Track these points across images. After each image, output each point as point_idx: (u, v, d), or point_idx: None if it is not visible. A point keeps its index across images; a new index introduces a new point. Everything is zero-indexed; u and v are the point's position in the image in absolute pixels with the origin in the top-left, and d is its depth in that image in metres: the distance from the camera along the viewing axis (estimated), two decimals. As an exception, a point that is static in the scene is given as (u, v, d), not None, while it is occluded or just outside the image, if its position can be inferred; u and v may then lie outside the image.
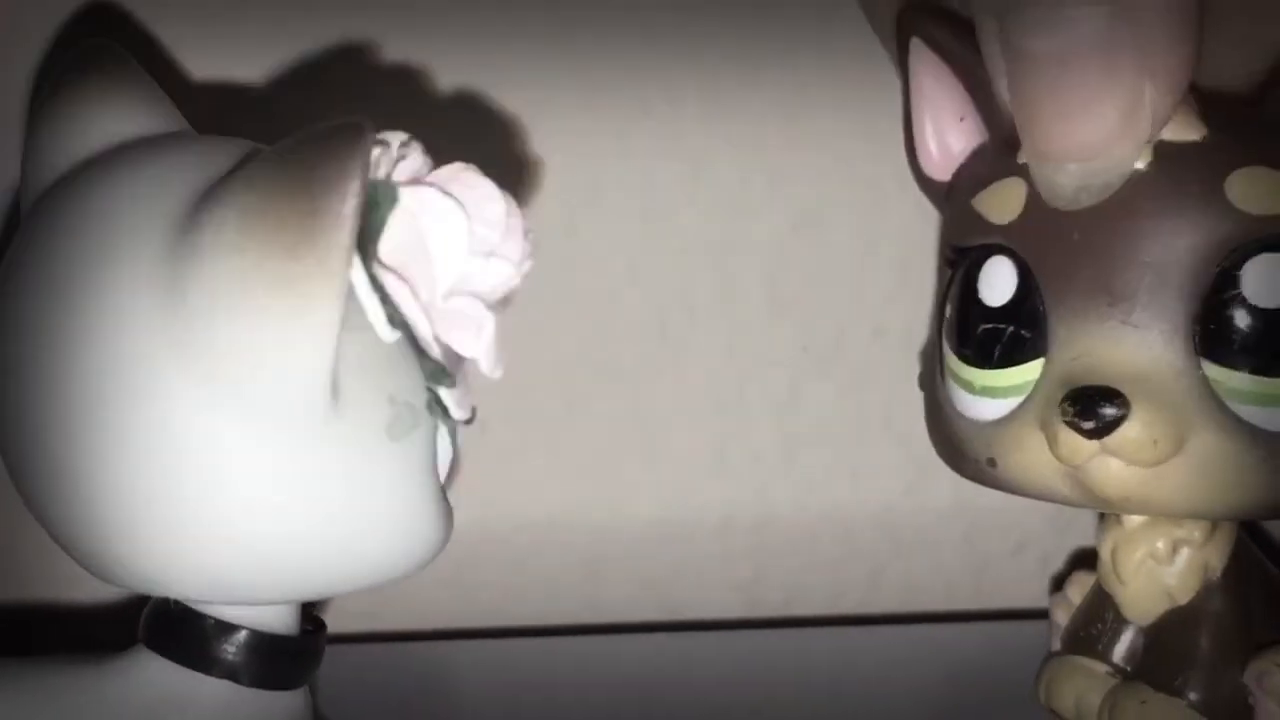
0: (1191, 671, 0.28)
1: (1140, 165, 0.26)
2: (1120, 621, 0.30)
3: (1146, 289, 0.26)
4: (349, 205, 0.20)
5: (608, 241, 0.36)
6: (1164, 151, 0.26)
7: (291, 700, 0.25)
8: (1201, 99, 0.26)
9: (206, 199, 0.21)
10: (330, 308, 0.20)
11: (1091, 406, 0.26)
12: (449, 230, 0.21)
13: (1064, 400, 0.26)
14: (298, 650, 0.25)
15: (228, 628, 0.24)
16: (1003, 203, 0.27)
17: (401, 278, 0.21)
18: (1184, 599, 0.29)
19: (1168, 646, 0.29)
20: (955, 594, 0.38)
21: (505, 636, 0.36)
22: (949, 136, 0.29)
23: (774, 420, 0.37)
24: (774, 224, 0.36)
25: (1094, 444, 0.25)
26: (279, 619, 0.24)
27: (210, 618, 0.24)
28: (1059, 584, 0.33)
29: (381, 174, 0.21)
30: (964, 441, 0.28)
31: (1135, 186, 0.26)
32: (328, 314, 0.20)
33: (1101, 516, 0.30)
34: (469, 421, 0.23)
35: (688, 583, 0.37)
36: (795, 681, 0.33)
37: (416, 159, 0.22)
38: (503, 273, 0.22)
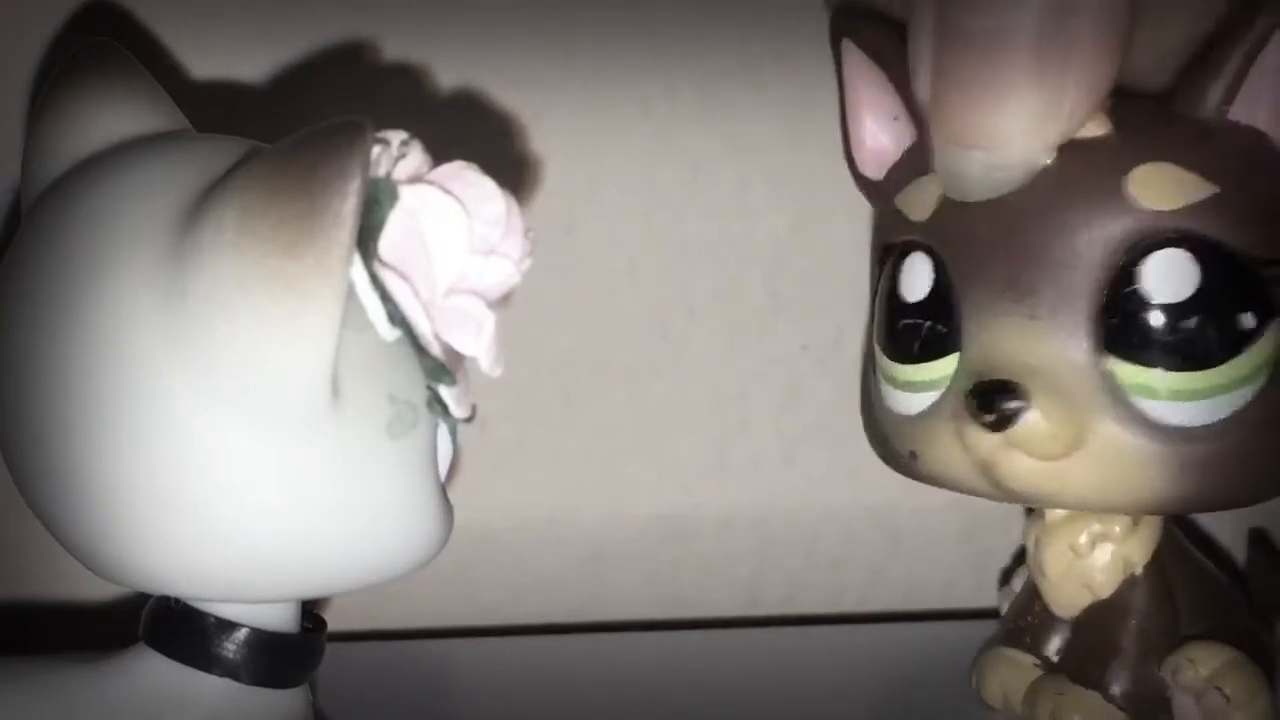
0: (1112, 665, 0.29)
1: (1045, 160, 0.26)
2: (1047, 614, 0.30)
3: (1050, 284, 0.26)
4: (349, 204, 0.20)
5: (608, 241, 0.36)
6: (1068, 147, 0.26)
7: (292, 698, 0.25)
8: (1113, 93, 0.26)
9: (207, 198, 0.21)
10: (330, 306, 0.20)
11: (991, 399, 0.26)
12: (449, 228, 0.21)
13: (968, 394, 0.26)
14: (298, 648, 0.25)
15: (228, 626, 0.24)
16: (920, 199, 0.28)
17: (402, 276, 0.21)
18: (1105, 593, 0.29)
19: (1091, 639, 0.29)
20: (955, 592, 0.38)
21: (505, 635, 0.36)
22: (882, 136, 0.30)
23: (774, 418, 0.37)
24: (773, 223, 0.36)
25: (999, 437, 0.26)
26: (279, 617, 0.24)
27: (211, 616, 0.24)
28: (1006, 578, 0.33)
29: (382, 172, 0.21)
30: (890, 435, 0.29)
31: (1039, 181, 0.26)
32: (327, 313, 0.20)
33: (1028, 510, 0.30)
34: (469, 419, 0.23)
35: (688, 580, 0.37)
36: (795, 679, 0.33)
37: (416, 157, 0.22)
38: (503, 271, 0.22)
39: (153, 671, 0.24)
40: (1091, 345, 0.26)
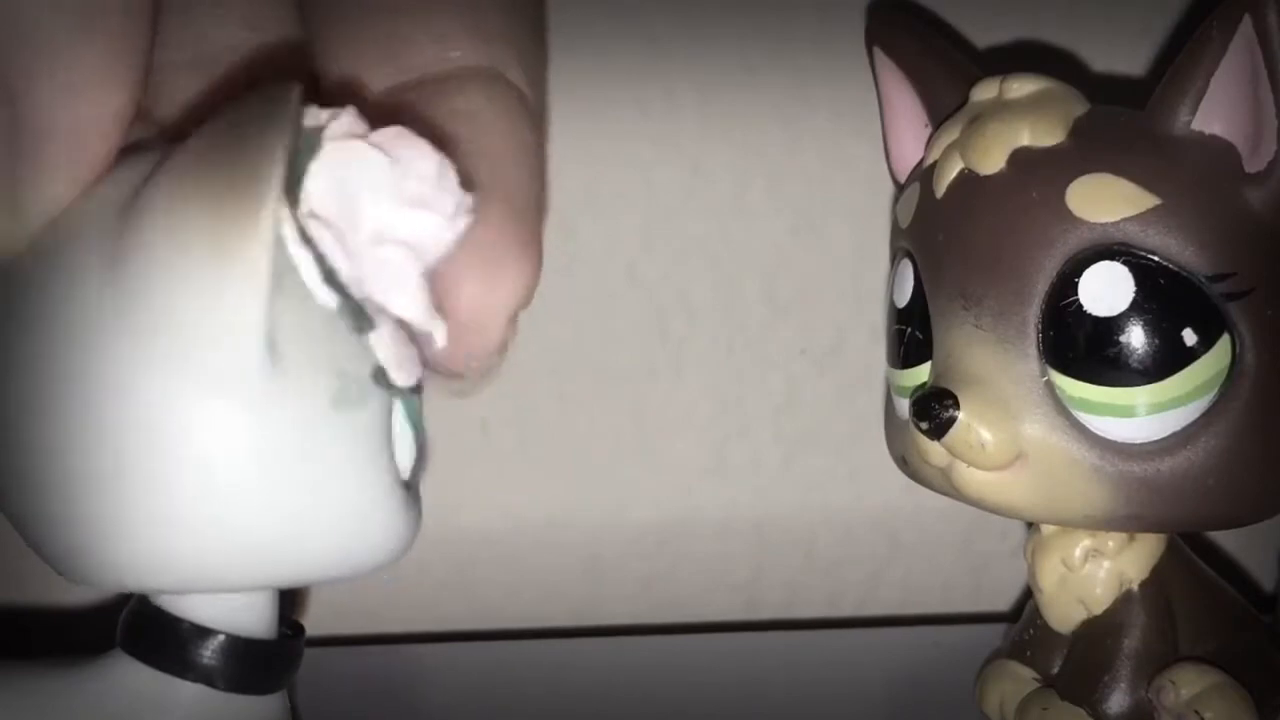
0: (1103, 682, 0.28)
1: (994, 169, 0.26)
2: (1046, 629, 0.29)
3: (994, 294, 0.26)
4: (273, 156, 0.20)
5: (607, 243, 0.36)
6: (1018, 156, 0.26)
7: (268, 705, 0.24)
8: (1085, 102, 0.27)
9: (151, 171, 0.21)
10: (258, 260, 0.20)
11: (925, 408, 0.26)
12: (373, 177, 0.21)
13: (910, 401, 0.26)
14: (275, 654, 0.24)
15: (204, 632, 0.23)
16: (907, 205, 0.28)
17: (325, 223, 0.21)
18: (1099, 609, 0.28)
19: (1084, 656, 0.29)
20: (954, 595, 0.38)
21: (503, 638, 0.36)
22: (915, 142, 0.30)
23: (772, 421, 0.37)
24: (773, 226, 0.36)
25: (941, 446, 0.26)
26: (256, 623, 0.24)
27: (187, 621, 0.23)
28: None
29: (308, 124, 0.21)
30: (892, 438, 0.29)
31: (990, 189, 0.26)
32: (256, 266, 0.20)
33: (1028, 522, 0.30)
34: (416, 390, 0.23)
35: (686, 584, 0.37)
36: (794, 683, 0.33)
37: (349, 120, 0.22)
38: (433, 224, 0.22)
39: (128, 677, 0.23)
40: (1034, 357, 0.26)
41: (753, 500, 0.37)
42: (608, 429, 0.37)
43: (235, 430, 0.21)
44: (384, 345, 0.22)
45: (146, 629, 0.24)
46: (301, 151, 0.21)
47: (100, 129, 0.22)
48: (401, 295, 0.22)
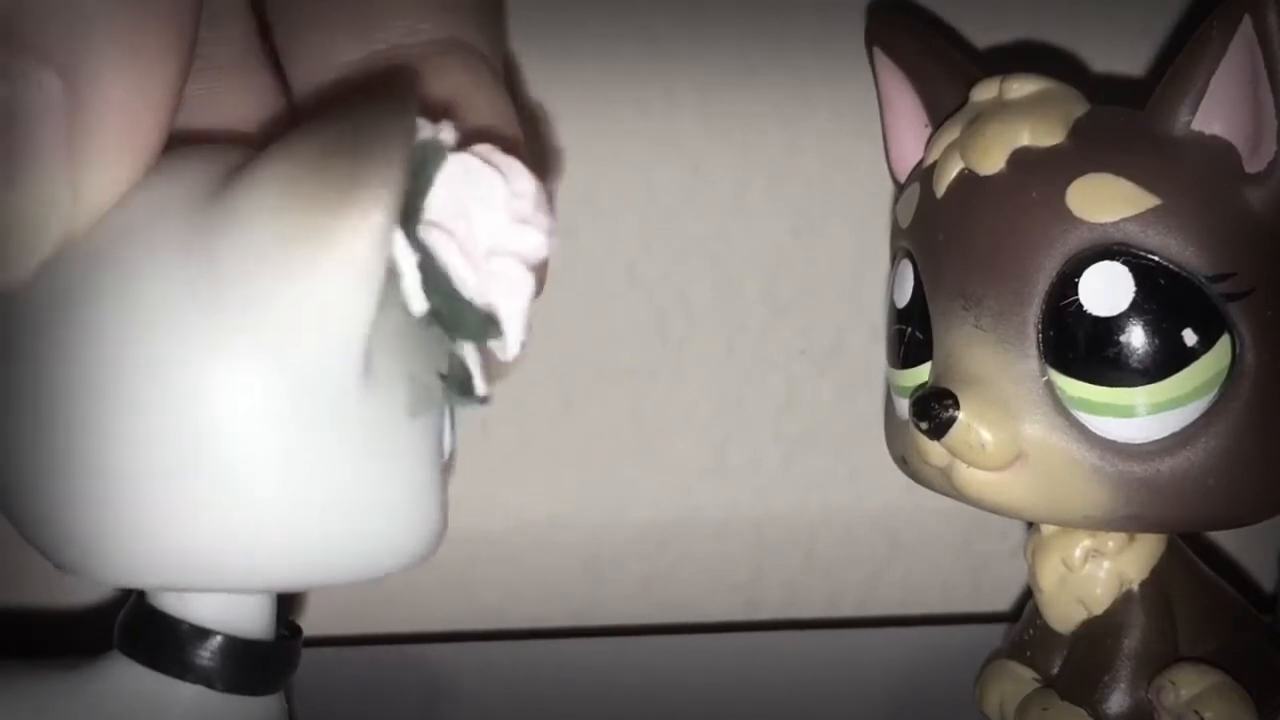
0: (1103, 682, 0.28)
1: (995, 169, 0.26)
2: (1046, 629, 0.29)
3: (994, 294, 0.26)
4: (397, 163, 0.20)
5: (607, 243, 0.36)
6: (1018, 157, 0.26)
7: (266, 706, 0.24)
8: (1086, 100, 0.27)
9: (242, 169, 0.21)
10: (373, 265, 0.20)
11: (925, 408, 0.26)
12: (489, 193, 0.21)
13: (910, 402, 0.26)
14: (273, 656, 0.24)
15: (203, 633, 0.23)
16: (907, 205, 0.28)
17: (449, 233, 0.21)
18: (1099, 609, 0.28)
19: (1084, 656, 0.29)
20: (953, 595, 0.38)
21: (504, 639, 0.36)
22: (915, 143, 0.30)
23: (772, 421, 0.37)
24: (773, 226, 0.36)
25: (941, 446, 0.26)
26: (255, 624, 0.24)
27: (185, 622, 0.23)
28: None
29: (427, 134, 0.21)
30: (892, 438, 0.29)
31: (990, 190, 0.26)
32: (370, 272, 0.20)
33: (1028, 522, 0.30)
34: (484, 401, 0.23)
35: (686, 584, 0.37)
36: (794, 683, 0.33)
37: (450, 133, 0.22)
38: (535, 240, 0.22)
39: (126, 678, 0.23)
40: (1034, 357, 0.26)
41: (753, 500, 0.37)
42: (608, 429, 0.37)
43: (318, 432, 0.21)
44: (474, 355, 0.22)
45: (145, 630, 0.23)
46: (420, 158, 0.21)
47: (154, 103, 0.21)
48: (516, 306, 0.22)
